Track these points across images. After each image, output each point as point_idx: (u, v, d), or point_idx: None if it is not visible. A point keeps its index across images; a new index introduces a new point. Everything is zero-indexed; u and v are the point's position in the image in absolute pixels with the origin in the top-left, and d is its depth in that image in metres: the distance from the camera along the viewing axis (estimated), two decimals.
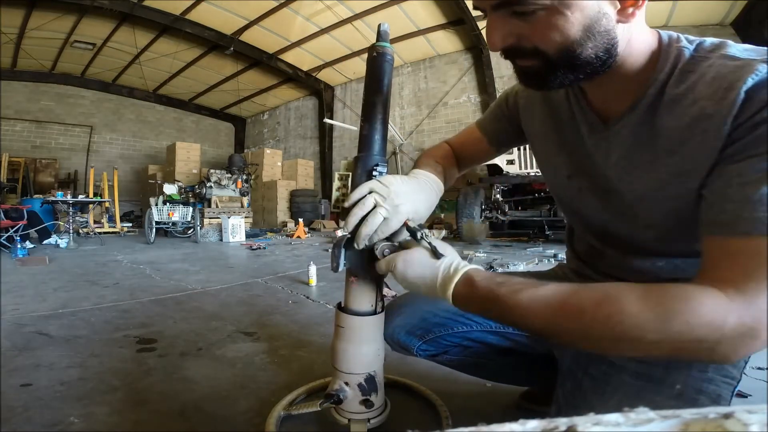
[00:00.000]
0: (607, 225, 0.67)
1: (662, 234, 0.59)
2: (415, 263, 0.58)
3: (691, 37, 0.53)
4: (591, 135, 0.61)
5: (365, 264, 0.68)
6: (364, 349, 0.74)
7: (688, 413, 0.15)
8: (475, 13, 6.55)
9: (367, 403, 0.75)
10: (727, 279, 0.41)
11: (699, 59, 0.50)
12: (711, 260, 0.45)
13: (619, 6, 0.47)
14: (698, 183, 0.49)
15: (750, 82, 0.43)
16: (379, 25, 0.76)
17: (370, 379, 0.74)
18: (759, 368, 1.19)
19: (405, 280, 0.59)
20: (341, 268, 0.67)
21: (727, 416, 0.14)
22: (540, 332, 0.49)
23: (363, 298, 0.73)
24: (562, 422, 0.15)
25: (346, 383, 0.75)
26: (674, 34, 0.53)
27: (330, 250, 0.68)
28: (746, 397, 1.03)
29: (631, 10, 0.47)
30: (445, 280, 0.55)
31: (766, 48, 0.47)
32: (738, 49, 0.48)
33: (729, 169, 0.45)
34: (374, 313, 0.74)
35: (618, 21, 0.48)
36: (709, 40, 0.51)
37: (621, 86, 0.55)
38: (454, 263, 0.56)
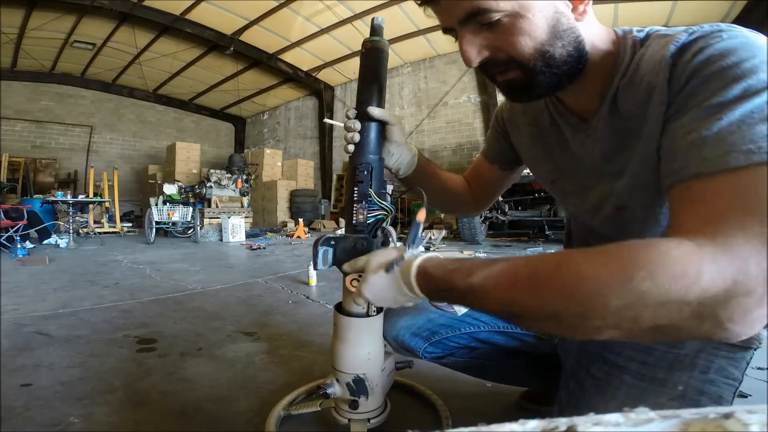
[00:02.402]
0: (589, 224, 0.69)
1: (637, 225, 0.60)
2: (377, 282, 0.54)
3: (643, 28, 0.56)
4: (575, 135, 0.63)
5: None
6: (354, 350, 0.73)
7: (688, 413, 0.15)
8: None
9: (352, 404, 0.74)
10: (692, 226, 0.37)
11: (645, 44, 0.53)
12: (673, 212, 0.42)
13: (571, 6, 0.50)
14: (655, 162, 0.50)
15: (672, 48, 0.47)
16: (373, 19, 0.73)
17: (359, 381, 0.73)
18: (759, 368, 1.19)
19: (380, 300, 0.55)
20: (319, 266, 0.65)
21: (727, 416, 0.14)
22: (499, 312, 0.44)
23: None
24: (562, 422, 0.15)
25: (337, 380, 0.75)
26: (627, 27, 0.56)
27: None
28: (746, 397, 1.03)
29: (582, 8, 0.50)
30: (407, 281, 0.51)
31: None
32: (672, 29, 0.51)
33: (672, 127, 0.46)
34: (366, 315, 0.72)
35: (576, 20, 0.51)
36: (656, 27, 0.54)
37: (592, 84, 0.57)
38: (405, 261, 0.53)
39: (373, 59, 0.71)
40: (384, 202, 0.69)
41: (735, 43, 0.42)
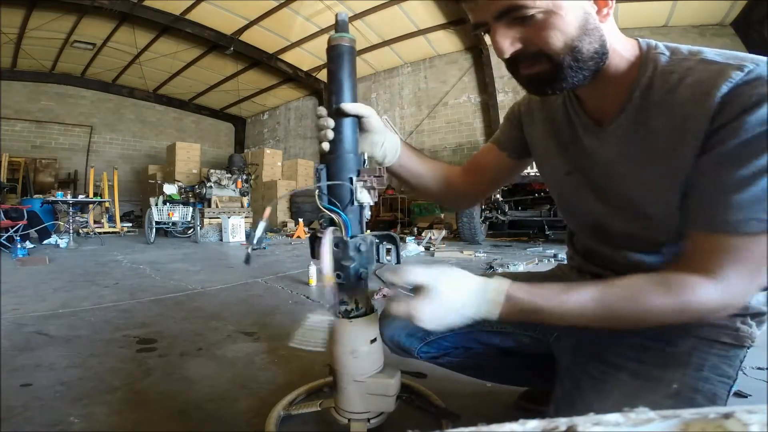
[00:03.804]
0: (600, 220, 0.70)
1: (652, 227, 0.62)
2: (453, 299, 0.56)
3: (669, 44, 0.58)
4: (586, 134, 0.66)
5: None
6: (340, 349, 0.74)
7: (688, 413, 0.15)
8: None
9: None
10: (711, 270, 0.52)
11: (678, 60, 0.55)
12: (695, 251, 0.55)
13: (596, 8, 0.54)
14: (681, 179, 0.55)
15: (725, 88, 0.49)
16: (337, 15, 0.72)
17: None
18: (759, 368, 1.19)
19: (438, 320, 0.56)
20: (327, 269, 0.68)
21: (727, 416, 0.14)
22: (579, 329, 0.57)
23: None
24: (562, 422, 0.15)
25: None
26: (652, 42, 0.59)
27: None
28: (746, 397, 1.03)
29: (605, 11, 0.54)
30: (494, 302, 0.55)
31: (737, 53, 0.52)
32: (714, 53, 0.53)
33: (711, 174, 0.51)
34: (346, 316, 0.74)
35: (600, 21, 0.54)
36: (686, 46, 0.57)
37: (611, 90, 0.59)
38: (492, 286, 0.56)
39: (339, 56, 0.71)
40: (335, 209, 0.67)
41: None
